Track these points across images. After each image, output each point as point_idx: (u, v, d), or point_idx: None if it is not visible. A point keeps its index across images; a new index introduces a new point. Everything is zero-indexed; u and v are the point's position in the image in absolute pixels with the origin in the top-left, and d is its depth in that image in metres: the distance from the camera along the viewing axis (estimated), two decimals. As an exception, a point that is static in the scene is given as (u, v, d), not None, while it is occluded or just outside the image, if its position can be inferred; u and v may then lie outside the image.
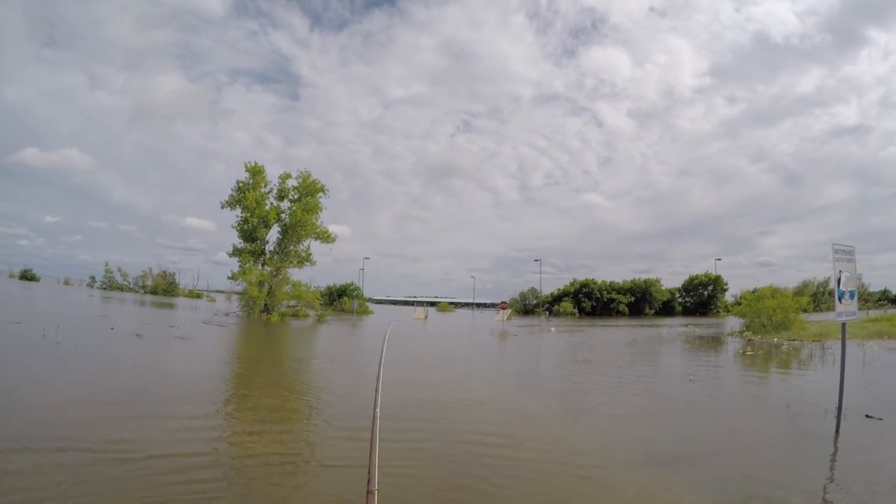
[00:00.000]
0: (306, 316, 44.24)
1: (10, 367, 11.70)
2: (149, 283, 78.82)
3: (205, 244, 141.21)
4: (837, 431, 8.24)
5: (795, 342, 26.03)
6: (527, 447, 7.67)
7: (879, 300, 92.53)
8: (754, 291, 39.23)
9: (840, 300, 8.43)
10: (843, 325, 8.93)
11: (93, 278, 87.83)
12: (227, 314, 40.75)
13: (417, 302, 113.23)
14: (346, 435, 7.80)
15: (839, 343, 22.47)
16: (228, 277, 44.29)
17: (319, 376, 14.27)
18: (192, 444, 7.05)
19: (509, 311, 57.25)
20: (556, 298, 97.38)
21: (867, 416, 9.45)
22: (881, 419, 9.25)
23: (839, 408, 8.40)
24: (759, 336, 30.23)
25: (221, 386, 11.97)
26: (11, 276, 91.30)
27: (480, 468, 6.58)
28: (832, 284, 8.48)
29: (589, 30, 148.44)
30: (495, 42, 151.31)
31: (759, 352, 22.61)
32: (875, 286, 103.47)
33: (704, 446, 8.03)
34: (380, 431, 3.43)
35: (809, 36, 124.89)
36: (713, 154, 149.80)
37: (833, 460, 7.26)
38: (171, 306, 49.26)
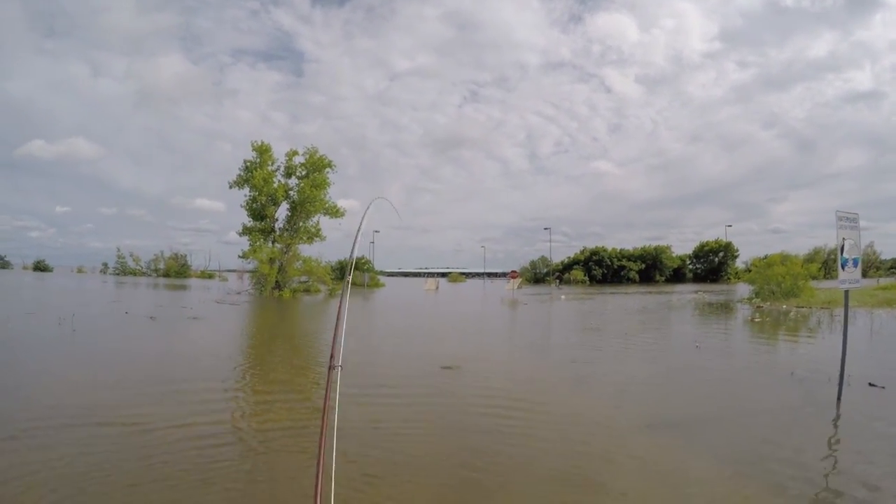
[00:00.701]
0: (318, 291, 44.87)
1: (29, 357, 12.01)
2: (161, 266, 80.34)
3: (215, 225, 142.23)
4: (839, 398, 8.37)
5: (804, 309, 26.15)
6: (535, 412, 7.97)
7: (891, 268, 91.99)
8: (764, 258, 39.26)
9: (843, 267, 8.54)
10: (847, 292, 9.04)
11: (105, 265, 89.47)
12: (238, 293, 41.42)
13: (428, 273, 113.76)
14: (353, 401, 8.09)
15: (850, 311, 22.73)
16: (239, 256, 45.27)
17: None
18: (208, 416, 7.44)
19: (520, 279, 57.61)
20: (567, 266, 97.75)
21: (870, 384, 9.57)
22: (884, 387, 9.37)
23: (841, 375, 8.53)
24: (769, 303, 30.41)
25: (234, 362, 12.28)
26: (25, 267, 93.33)
27: (489, 434, 6.87)
28: (838, 252, 8.60)
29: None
30: (500, 9, 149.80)
31: (767, 319, 22.75)
32: (887, 254, 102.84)
33: (706, 412, 8.22)
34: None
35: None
36: (724, 120, 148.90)
37: (832, 426, 7.41)
38: (183, 288, 50.07)
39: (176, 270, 78.92)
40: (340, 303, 3.92)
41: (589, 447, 6.43)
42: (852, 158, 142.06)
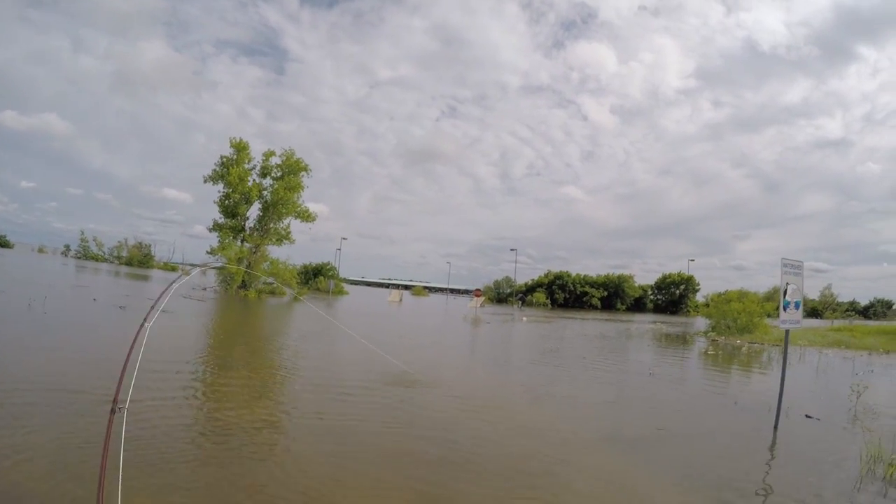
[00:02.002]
0: (283, 294, 44.71)
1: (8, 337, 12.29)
2: (124, 253, 79.01)
3: (181, 216, 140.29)
4: (776, 427, 9.26)
5: (756, 345, 27.35)
6: (490, 427, 8.55)
7: (847, 311, 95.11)
8: (723, 294, 40.59)
9: (785, 309, 9.48)
10: (787, 332, 10.04)
11: (67, 247, 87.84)
12: (204, 289, 41.05)
13: (393, 285, 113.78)
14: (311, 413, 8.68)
15: (799, 349, 23.85)
16: (207, 252, 44.89)
17: (290, 354, 14.93)
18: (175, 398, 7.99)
19: (483, 298, 58.36)
20: (530, 289, 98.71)
21: (807, 416, 10.48)
22: (819, 419, 10.29)
23: (778, 406, 9.47)
24: (724, 337, 31.58)
25: (204, 357, 12.73)
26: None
27: (447, 444, 7.41)
28: (780, 295, 9.54)
29: (579, 24, 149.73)
30: (487, 29, 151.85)
31: (721, 352, 23.82)
32: (844, 296, 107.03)
33: (649, 434, 8.90)
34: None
35: (797, 47, 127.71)
36: (695, 156, 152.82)
37: (766, 450, 8.24)
38: (146, 278, 49.53)
39: (139, 260, 77.88)
40: (137, 333, 3.82)
41: (543, 456, 7.11)
42: (817, 203, 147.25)
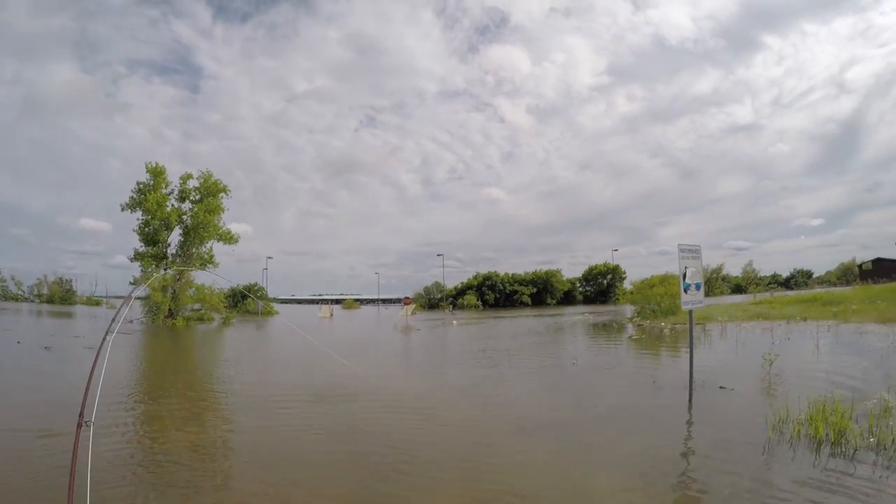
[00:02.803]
0: (211, 319, 43.65)
1: None
2: (44, 291, 74.57)
3: (101, 246, 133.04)
4: (690, 400, 9.69)
5: (679, 326, 28.26)
6: (423, 426, 8.75)
7: (769, 284, 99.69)
8: (646, 280, 41.65)
9: (686, 291, 9.98)
10: (691, 312, 10.56)
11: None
12: (130, 321, 39.13)
13: (323, 300, 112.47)
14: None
15: (719, 325, 24.84)
16: (130, 283, 43.28)
17: (225, 381, 14.81)
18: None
19: (413, 305, 58.35)
20: (460, 292, 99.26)
21: (721, 387, 10.95)
22: (733, 389, 10.79)
23: (690, 380, 9.92)
24: (649, 321, 32.56)
25: (136, 392, 12.45)
26: None
27: (385, 435, 7.79)
28: (680, 278, 10.06)
29: (493, 28, 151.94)
30: (402, 36, 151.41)
31: (645, 336, 24.60)
32: (766, 270, 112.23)
33: (571, 417, 9.39)
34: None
35: (703, 40, 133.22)
36: (613, 149, 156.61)
37: (681, 421, 8.67)
38: (70, 315, 47.54)
39: (60, 296, 73.42)
40: (98, 350, 3.83)
41: (472, 444, 7.57)
42: (733, 185, 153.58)
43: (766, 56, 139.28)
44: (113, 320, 4.67)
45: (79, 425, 3.34)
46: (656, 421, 8.86)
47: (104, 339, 4.45)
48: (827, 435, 7.05)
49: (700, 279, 10.14)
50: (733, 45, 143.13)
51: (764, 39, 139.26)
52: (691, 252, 10.05)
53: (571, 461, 6.89)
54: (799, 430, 7.33)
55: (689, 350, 10.29)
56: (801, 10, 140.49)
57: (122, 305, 5.34)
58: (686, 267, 9.86)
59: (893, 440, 6.60)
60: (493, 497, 5.65)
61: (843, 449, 6.62)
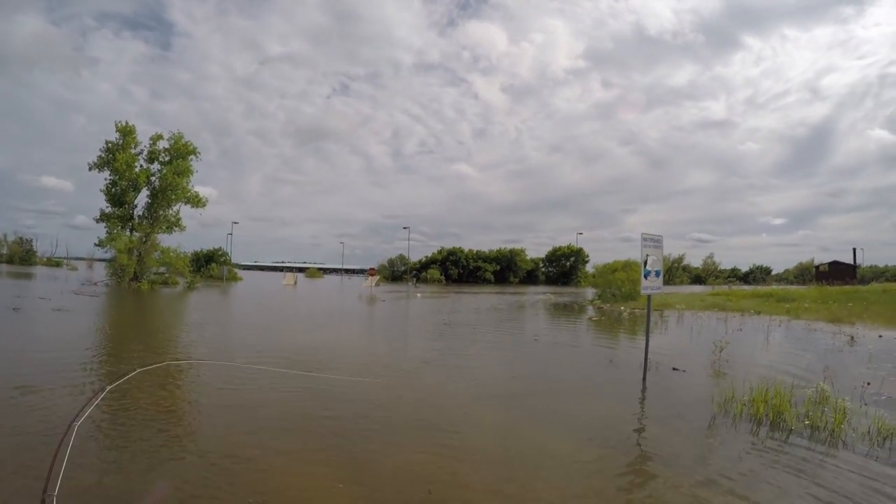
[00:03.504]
0: (175, 283, 43.54)
1: None
2: (3, 251, 73.83)
3: (63, 206, 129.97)
4: (644, 379, 10.31)
5: (638, 311, 29.10)
6: (389, 394, 9.13)
7: (728, 277, 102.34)
8: (608, 264, 42.47)
9: (646, 278, 10.58)
10: (649, 297, 11.30)
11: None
12: (95, 283, 39.22)
13: (287, 268, 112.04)
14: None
15: (677, 312, 25.67)
16: (95, 244, 42.90)
17: (202, 342, 15.08)
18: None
19: (377, 277, 58.71)
20: (424, 265, 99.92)
21: (674, 368, 11.65)
22: (685, 371, 11.48)
23: (645, 360, 10.61)
24: (609, 305, 33.49)
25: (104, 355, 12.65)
26: None
27: (353, 403, 8.12)
28: (641, 265, 10.69)
29: (474, 3, 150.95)
30: (382, 5, 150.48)
31: (604, 318, 25.40)
32: (727, 264, 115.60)
33: (531, 389, 9.91)
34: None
35: (682, 34, 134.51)
36: (585, 134, 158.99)
37: (633, 398, 9.22)
38: (30, 276, 46.87)
39: (21, 257, 72.70)
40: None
41: (437, 410, 8.02)
42: (700, 178, 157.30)
43: (745, 56, 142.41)
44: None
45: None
46: (611, 395, 9.49)
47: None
48: (766, 415, 7.71)
49: (660, 267, 10.75)
50: (713, 41, 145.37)
51: (744, 39, 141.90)
52: (653, 241, 10.63)
53: (522, 427, 7.42)
54: (742, 410, 7.97)
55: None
56: (784, 15, 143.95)
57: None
58: (647, 255, 10.46)
59: (826, 423, 7.23)
60: (453, 453, 6.09)
61: (780, 428, 7.26)
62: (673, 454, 6.24)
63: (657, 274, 10.71)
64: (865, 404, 8.62)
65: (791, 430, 7.17)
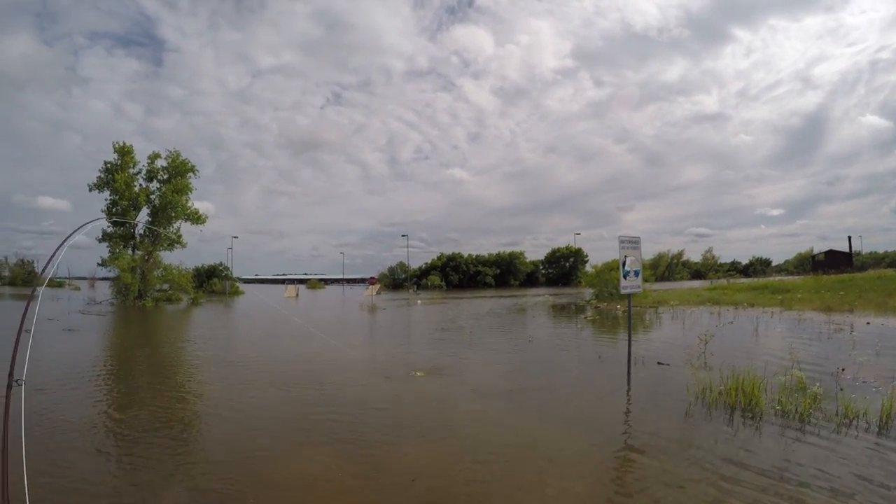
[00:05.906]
0: (179, 299, 43.96)
1: None
2: (6, 273, 74.25)
3: (61, 226, 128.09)
4: (629, 372, 10.88)
5: (634, 309, 29.45)
6: (393, 393, 9.81)
7: (728, 270, 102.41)
8: (606, 263, 42.54)
9: (626, 277, 11.12)
10: (629, 296, 11.91)
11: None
12: (100, 302, 39.68)
13: (288, 280, 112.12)
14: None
15: (672, 309, 26.03)
16: (99, 264, 43.24)
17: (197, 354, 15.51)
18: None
19: (378, 285, 59.15)
20: (425, 272, 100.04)
21: (659, 362, 12.19)
22: (669, 364, 11.99)
23: (629, 355, 11.27)
24: (606, 304, 33.80)
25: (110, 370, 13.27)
26: None
27: (360, 408, 8.61)
28: (620, 266, 11.18)
29: (463, 7, 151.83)
30: (371, 13, 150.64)
31: (599, 317, 25.89)
32: (727, 258, 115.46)
33: (524, 385, 10.50)
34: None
35: (668, 29, 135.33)
36: (579, 133, 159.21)
37: (620, 390, 9.80)
38: (34, 298, 46.92)
39: (23, 278, 72.73)
40: (25, 310, 3.80)
41: (437, 406, 8.85)
42: (696, 173, 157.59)
43: (735, 48, 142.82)
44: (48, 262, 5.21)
45: (9, 385, 3.25)
46: (601, 389, 10.09)
47: (32, 291, 4.87)
48: (739, 402, 8.23)
49: (638, 267, 11.32)
50: (702, 35, 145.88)
51: (734, 32, 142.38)
52: (631, 243, 11.17)
53: (516, 420, 7.97)
54: (717, 398, 8.50)
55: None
56: (773, 6, 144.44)
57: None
58: (626, 256, 10.99)
59: (796, 409, 7.70)
60: (457, 443, 6.72)
61: (752, 415, 7.77)
62: (654, 436, 6.91)
63: (636, 274, 11.24)
64: (841, 389, 9.08)
65: (762, 414, 7.70)
